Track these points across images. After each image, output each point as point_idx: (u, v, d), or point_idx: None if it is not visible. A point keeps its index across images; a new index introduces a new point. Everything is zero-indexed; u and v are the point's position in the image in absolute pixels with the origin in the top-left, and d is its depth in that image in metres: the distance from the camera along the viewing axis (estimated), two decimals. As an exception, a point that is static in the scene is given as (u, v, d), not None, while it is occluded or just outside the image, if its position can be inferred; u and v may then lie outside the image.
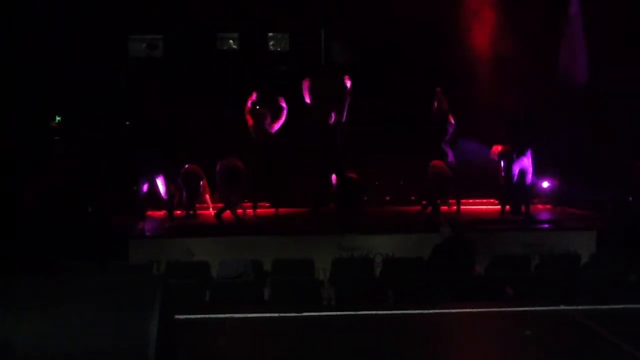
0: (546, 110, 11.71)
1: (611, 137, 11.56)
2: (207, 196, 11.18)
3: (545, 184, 12.12)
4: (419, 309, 5.78)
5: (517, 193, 10.93)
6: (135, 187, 10.75)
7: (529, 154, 10.67)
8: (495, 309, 5.87)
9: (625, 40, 11.49)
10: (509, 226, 10.43)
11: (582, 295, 6.56)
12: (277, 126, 10.87)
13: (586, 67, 12.03)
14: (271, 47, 13.20)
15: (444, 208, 11.03)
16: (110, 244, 9.27)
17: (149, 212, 11.01)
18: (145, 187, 10.58)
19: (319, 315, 5.74)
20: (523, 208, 10.89)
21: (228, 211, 10.50)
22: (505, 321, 5.56)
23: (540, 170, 11.21)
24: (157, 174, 10.62)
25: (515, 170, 10.72)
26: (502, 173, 11.07)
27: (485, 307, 5.91)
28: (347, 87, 10.70)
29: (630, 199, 11.12)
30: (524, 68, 11.54)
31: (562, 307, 5.65)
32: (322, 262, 7.94)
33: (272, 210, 11.27)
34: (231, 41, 13.04)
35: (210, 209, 11.04)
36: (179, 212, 11.10)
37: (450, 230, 7.77)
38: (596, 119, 11.86)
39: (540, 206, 11.97)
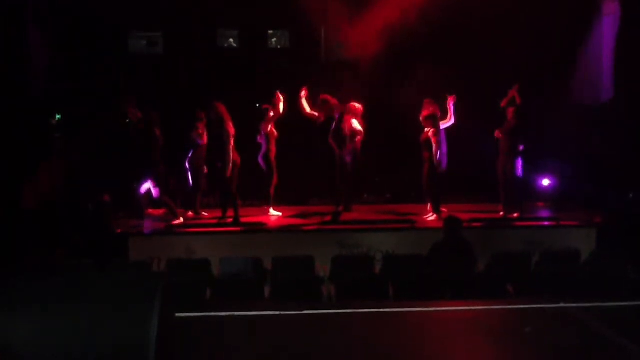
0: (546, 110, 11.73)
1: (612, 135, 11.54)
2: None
3: (546, 182, 12.11)
4: (420, 307, 5.79)
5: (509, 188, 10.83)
6: (135, 185, 10.72)
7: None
8: (495, 306, 5.88)
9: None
10: (508, 223, 10.41)
11: (582, 293, 6.57)
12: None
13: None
14: (271, 44, 13.16)
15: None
16: (110, 242, 9.27)
17: (150, 210, 11.00)
18: (145, 185, 10.56)
19: (319, 312, 5.74)
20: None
21: (230, 209, 10.49)
22: (505, 318, 5.57)
23: (540, 168, 11.16)
24: (157, 172, 10.61)
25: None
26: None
27: (485, 305, 5.92)
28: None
29: (631, 196, 11.11)
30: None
31: (562, 304, 5.66)
32: (322, 259, 7.94)
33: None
34: (231, 39, 13.00)
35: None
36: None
37: (448, 228, 7.78)
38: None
39: (540, 203, 11.96)
